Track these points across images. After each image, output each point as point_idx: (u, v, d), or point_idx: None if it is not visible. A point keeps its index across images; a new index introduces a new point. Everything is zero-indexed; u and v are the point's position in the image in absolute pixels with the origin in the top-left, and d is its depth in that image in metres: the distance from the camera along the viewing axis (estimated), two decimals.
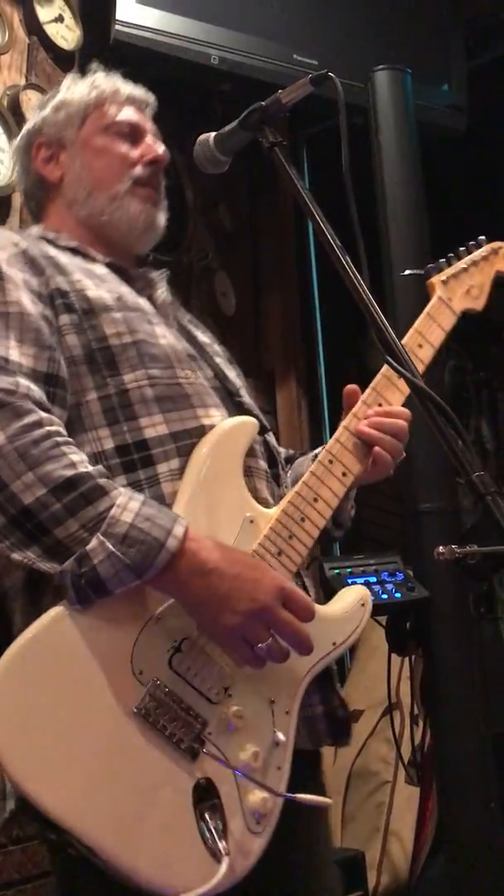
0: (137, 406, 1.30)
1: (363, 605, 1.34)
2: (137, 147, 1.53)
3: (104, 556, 1.11)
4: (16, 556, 1.14)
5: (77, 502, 1.13)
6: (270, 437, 1.49)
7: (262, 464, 1.40)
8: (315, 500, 1.32)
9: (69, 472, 1.14)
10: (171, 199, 1.64)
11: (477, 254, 1.60)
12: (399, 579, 2.34)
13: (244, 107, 1.36)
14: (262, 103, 1.35)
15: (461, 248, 1.60)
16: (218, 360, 1.52)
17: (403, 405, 1.45)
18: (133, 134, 1.54)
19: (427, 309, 1.52)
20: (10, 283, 1.30)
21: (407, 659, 2.59)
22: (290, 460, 1.63)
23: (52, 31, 2.66)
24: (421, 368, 1.45)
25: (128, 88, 1.57)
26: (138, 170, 1.51)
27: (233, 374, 1.53)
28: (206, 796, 1.15)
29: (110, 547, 1.12)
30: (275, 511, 1.31)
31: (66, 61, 2.73)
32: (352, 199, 1.30)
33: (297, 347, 3.64)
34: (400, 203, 2.68)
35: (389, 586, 2.32)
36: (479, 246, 1.61)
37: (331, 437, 1.39)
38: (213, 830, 1.13)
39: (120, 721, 1.13)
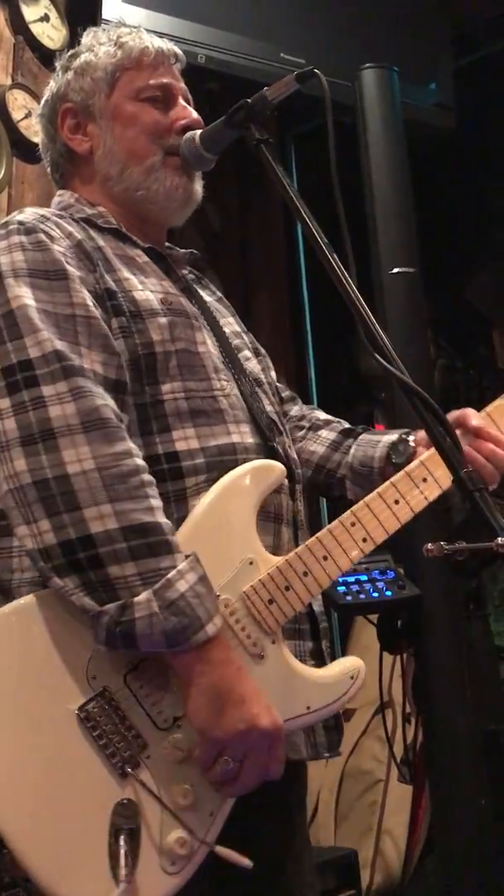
0: (171, 418, 1.28)
1: (352, 678, 1.26)
2: (170, 111, 1.46)
3: (147, 614, 1.09)
4: (54, 582, 1.12)
5: (142, 549, 1.11)
6: (291, 449, 1.45)
7: (288, 502, 1.36)
8: (325, 558, 1.27)
9: (146, 518, 1.12)
10: None
11: None
12: (390, 577, 2.34)
13: (231, 105, 1.36)
14: (248, 100, 1.34)
15: None
16: (244, 354, 1.48)
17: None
18: (165, 97, 1.46)
19: (488, 408, 1.43)
20: (74, 283, 1.24)
21: (399, 657, 2.59)
22: (348, 434, 1.56)
23: (38, 30, 2.66)
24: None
25: (156, 43, 1.48)
26: (170, 138, 1.44)
27: (255, 366, 1.49)
28: (127, 818, 1.11)
29: (156, 607, 1.09)
30: (279, 559, 1.27)
31: (53, 61, 2.71)
32: (339, 198, 1.29)
33: (286, 347, 3.64)
34: (387, 201, 2.68)
35: (380, 584, 2.32)
36: None
37: None
38: (122, 854, 1.09)
39: (59, 718, 1.12)
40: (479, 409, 1.44)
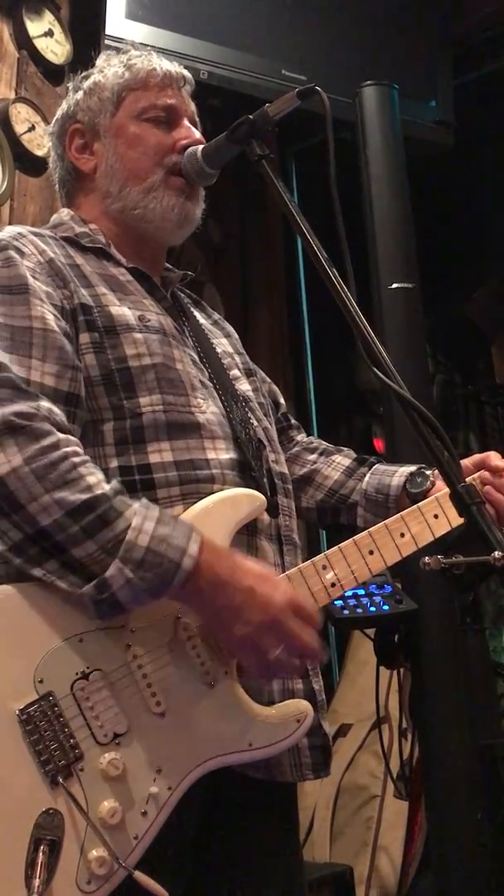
0: (148, 430, 1.29)
1: (298, 721, 1.24)
2: (173, 131, 1.47)
3: (123, 583, 1.12)
4: (35, 571, 1.14)
5: (94, 524, 1.13)
6: (278, 464, 1.45)
7: (266, 517, 1.35)
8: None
9: (86, 496, 1.14)
10: None
11: None
12: (387, 592, 2.34)
13: (233, 122, 1.37)
14: (250, 116, 1.36)
15: None
16: (233, 373, 1.49)
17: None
18: (169, 118, 1.48)
19: None
20: (35, 298, 1.27)
21: (395, 672, 2.59)
22: (362, 462, 1.60)
23: (42, 45, 2.68)
24: None
25: (164, 66, 1.50)
26: (173, 157, 1.45)
27: (245, 386, 1.50)
28: (50, 829, 1.09)
29: (129, 573, 1.12)
30: None
31: (56, 75, 2.75)
32: (339, 213, 1.30)
33: (285, 360, 3.65)
34: (387, 217, 2.69)
35: (377, 599, 2.32)
36: None
37: None
38: (39, 864, 1.06)
39: (1, 716, 1.10)
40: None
